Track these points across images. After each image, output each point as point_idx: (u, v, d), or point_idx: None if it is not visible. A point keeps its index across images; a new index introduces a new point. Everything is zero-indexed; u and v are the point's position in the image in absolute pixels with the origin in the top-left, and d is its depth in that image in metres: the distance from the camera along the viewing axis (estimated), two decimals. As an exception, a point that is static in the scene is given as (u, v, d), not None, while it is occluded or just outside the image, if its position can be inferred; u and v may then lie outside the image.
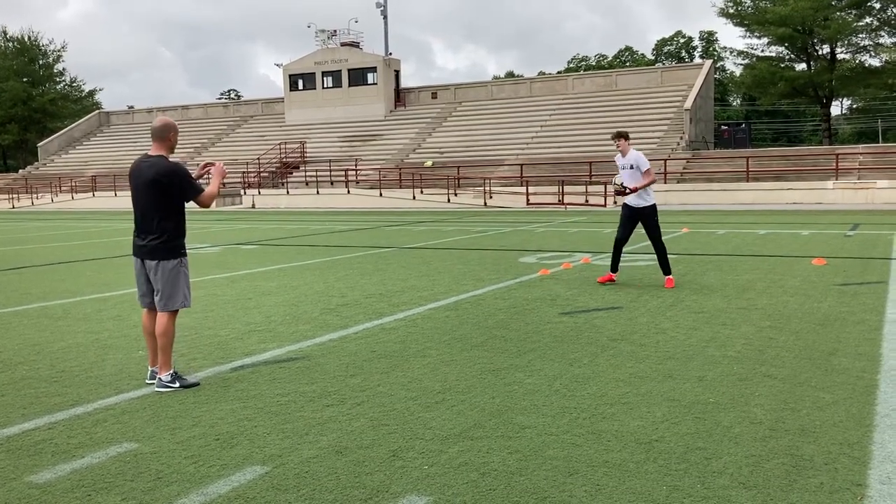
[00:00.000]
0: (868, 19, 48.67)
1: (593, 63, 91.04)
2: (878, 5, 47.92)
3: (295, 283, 10.31)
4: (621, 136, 9.45)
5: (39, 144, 60.02)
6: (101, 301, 9.19)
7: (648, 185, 9.30)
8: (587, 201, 31.06)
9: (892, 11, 47.78)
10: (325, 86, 51.51)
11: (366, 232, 19.95)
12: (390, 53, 52.00)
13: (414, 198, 35.43)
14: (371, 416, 4.58)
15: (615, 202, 28.09)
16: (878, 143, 58.26)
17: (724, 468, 3.67)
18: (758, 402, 4.68)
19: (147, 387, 5.33)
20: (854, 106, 71.49)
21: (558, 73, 76.94)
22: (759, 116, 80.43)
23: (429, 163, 40.78)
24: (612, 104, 43.29)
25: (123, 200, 40.22)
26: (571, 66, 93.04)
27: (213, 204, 6.30)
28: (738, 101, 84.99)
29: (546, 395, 4.93)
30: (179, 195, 5.34)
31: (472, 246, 15.25)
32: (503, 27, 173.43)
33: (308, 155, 46.35)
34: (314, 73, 51.72)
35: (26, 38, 70.04)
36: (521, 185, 34.05)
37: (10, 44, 69.99)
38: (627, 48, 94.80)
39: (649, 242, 9.56)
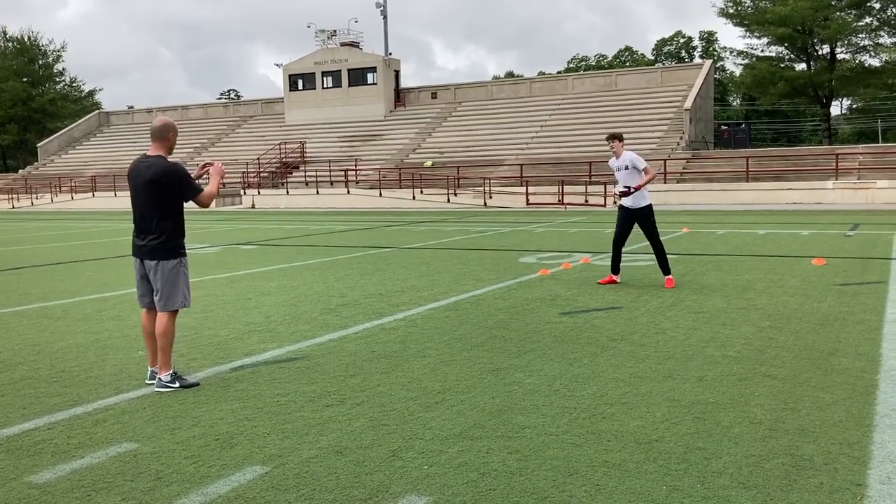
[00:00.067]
0: (868, 19, 48.70)
1: (593, 63, 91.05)
2: (877, 5, 47.95)
3: (295, 284, 10.31)
4: (616, 137, 9.45)
5: (39, 144, 60.02)
6: (101, 301, 9.19)
7: (650, 180, 9.36)
8: (587, 201, 31.06)
9: (892, 11, 47.80)
10: (325, 86, 51.51)
11: (365, 232, 19.95)
12: (390, 53, 52.02)
13: (414, 198, 35.43)
14: (371, 416, 4.58)
15: (615, 202, 28.07)
16: (877, 143, 58.30)
17: (724, 468, 3.67)
18: (758, 402, 4.68)
19: (147, 387, 5.33)
20: (854, 106, 71.50)
21: (558, 73, 76.95)
22: (759, 116, 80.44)
23: (428, 163, 40.78)
24: (612, 104, 43.29)
25: (123, 200, 40.22)
26: (571, 66, 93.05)
27: (213, 204, 6.31)
28: (738, 101, 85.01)
29: (546, 395, 4.93)
30: (178, 195, 5.34)
31: (472, 246, 15.25)
32: (503, 27, 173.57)
33: (308, 155, 46.36)
34: (314, 73, 51.71)
35: (26, 38, 70.05)
36: (521, 186, 34.05)
37: (10, 44, 69.99)
38: (627, 48, 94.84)
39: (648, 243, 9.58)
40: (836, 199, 28.36)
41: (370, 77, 50.31)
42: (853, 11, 48.05)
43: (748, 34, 52.12)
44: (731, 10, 51.22)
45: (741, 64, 57.37)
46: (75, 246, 17.76)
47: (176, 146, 5.58)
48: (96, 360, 6.17)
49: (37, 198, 48.12)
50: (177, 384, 5.25)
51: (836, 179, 29.68)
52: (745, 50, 54.24)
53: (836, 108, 73.88)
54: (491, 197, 33.64)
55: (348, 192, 37.78)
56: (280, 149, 46.83)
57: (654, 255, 9.63)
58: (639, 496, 3.39)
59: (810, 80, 49.81)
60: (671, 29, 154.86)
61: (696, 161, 35.03)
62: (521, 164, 36.75)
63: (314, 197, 38.51)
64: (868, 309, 7.54)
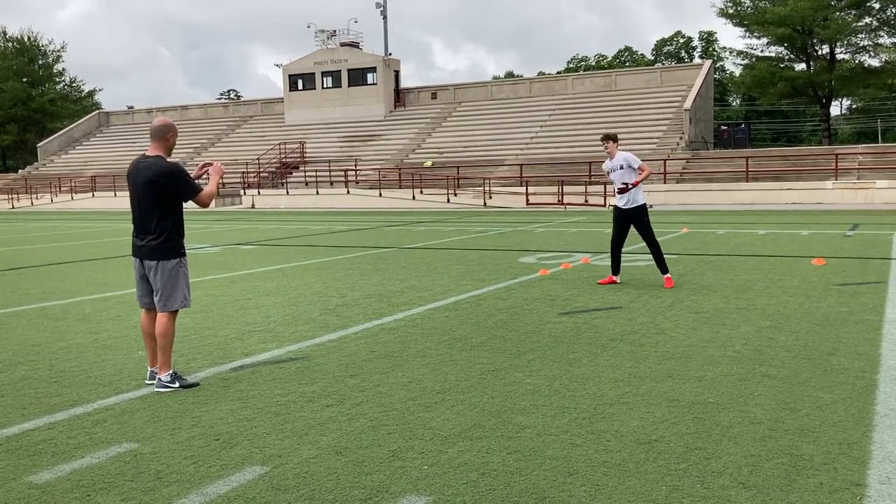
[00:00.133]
0: (867, 19, 48.71)
1: (593, 63, 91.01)
2: (877, 5, 47.96)
3: (294, 284, 10.31)
4: (611, 138, 9.51)
5: (39, 145, 60.02)
6: (101, 301, 9.19)
7: (648, 176, 9.42)
8: (587, 201, 31.05)
9: (892, 11, 47.80)
10: (325, 86, 51.52)
11: (365, 232, 19.95)
12: (390, 53, 52.03)
13: (413, 198, 35.43)
14: (371, 416, 4.58)
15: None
16: (877, 143, 58.30)
17: (724, 468, 3.67)
18: (757, 401, 4.68)
19: (147, 387, 5.33)
20: (853, 106, 71.51)
21: (558, 73, 76.95)
22: (759, 116, 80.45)
23: (428, 163, 40.78)
24: (612, 104, 43.31)
25: (123, 201, 40.24)
26: (571, 66, 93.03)
27: (213, 204, 6.31)
28: (738, 101, 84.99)
29: (546, 395, 4.93)
30: (178, 195, 5.34)
31: (472, 246, 15.25)
32: (503, 27, 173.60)
33: (308, 155, 46.36)
34: (314, 74, 51.72)
35: (26, 39, 70.04)
36: (521, 186, 34.05)
37: (10, 44, 69.96)
38: (627, 48, 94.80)
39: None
40: (836, 199, 28.37)
41: (370, 77, 50.32)
42: (853, 11, 48.06)
43: (748, 34, 52.14)
44: (730, 11, 51.23)
45: (741, 64, 57.41)
46: (75, 246, 17.76)
47: (176, 146, 5.58)
48: (96, 360, 6.17)
49: (37, 198, 48.13)
50: (176, 384, 5.25)
51: (836, 179, 29.69)
52: (745, 50, 54.28)
53: (835, 109, 73.98)
54: (491, 197, 33.65)
55: (348, 192, 37.78)
56: (280, 149, 46.84)
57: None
58: (639, 496, 3.39)
59: (810, 81, 49.81)
60: (671, 29, 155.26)
61: (695, 161, 35.03)
62: (521, 165, 36.76)
63: (314, 197, 38.51)
64: (868, 309, 7.54)
